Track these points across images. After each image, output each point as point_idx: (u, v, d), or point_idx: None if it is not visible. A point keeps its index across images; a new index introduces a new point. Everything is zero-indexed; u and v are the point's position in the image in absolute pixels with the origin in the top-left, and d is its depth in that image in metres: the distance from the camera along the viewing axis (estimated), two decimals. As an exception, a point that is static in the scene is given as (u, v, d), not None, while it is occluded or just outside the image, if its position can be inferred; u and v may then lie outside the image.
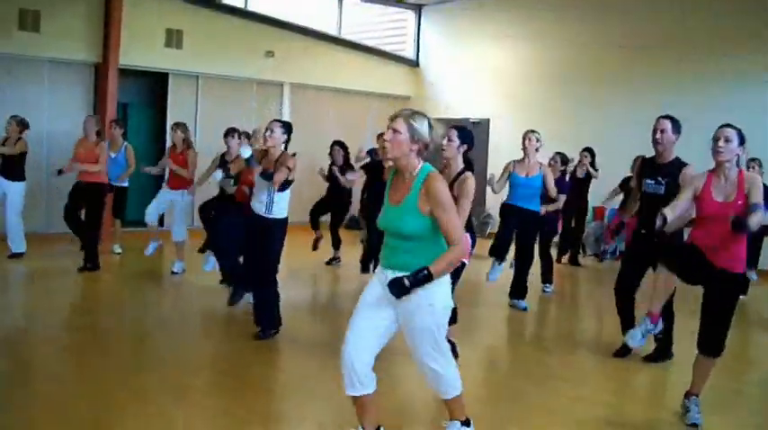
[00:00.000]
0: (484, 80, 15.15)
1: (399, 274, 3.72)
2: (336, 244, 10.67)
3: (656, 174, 5.91)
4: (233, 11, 13.76)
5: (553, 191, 8.18)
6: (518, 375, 6.13)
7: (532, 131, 8.13)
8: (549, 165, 9.87)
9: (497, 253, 7.94)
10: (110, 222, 10.82)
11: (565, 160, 10.56)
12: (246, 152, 6.51)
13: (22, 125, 9.69)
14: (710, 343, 4.79)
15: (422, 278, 3.67)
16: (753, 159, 9.01)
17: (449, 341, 5.77)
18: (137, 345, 6.39)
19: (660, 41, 12.55)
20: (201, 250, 8.88)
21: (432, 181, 3.80)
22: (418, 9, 16.74)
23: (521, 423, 4.89)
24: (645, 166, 6.12)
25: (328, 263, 10.67)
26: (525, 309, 8.24)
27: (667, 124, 5.87)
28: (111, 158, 10.30)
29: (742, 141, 4.77)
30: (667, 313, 5.93)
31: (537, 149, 8.06)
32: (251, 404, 5.01)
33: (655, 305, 4.84)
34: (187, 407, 4.90)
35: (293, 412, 5.15)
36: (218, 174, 7.22)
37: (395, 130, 3.81)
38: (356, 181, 9.73)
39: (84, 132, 9.36)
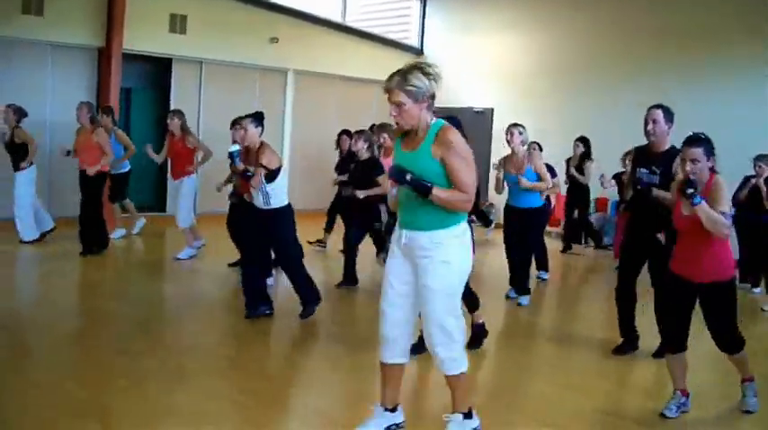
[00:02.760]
0: (488, 69, 15.10)
1: (416, 233, 3.80)
2: (329, 227, 10.59)
3: (651, 164, 5.79)
4: (237, -4, 13.71)
5: (546, 177, 7.86)
6: (515, 365, 6.13)
7: (515, 125, 7.81)
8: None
9: (516, 283, 8.02)
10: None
11: (541, 148, 10.34)
12: (233, 147, 6.62)
13: (19, 113, 9.59)
14: (727, 343, 4.88)
15: (421, 185, 3.68)
16: (759, 158, 8.85)
17: (480, 324, 6.12)
18: (137, 330, 6.39)
19: (668, 30, 12.47)
20: (233, 264, 8.82)
21: (447, 130, 3.79)
22: (423, -4, 16.69)
23: (520, 412, 4.89)
24: (639, 156, 6.04)
25: (311, 243, 10.44)
26: (516, 300, 8.04)
27: (659, 114, 5.72)
28: None
29: (709, 154, 4.60)
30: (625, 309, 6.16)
31: (523, 143, 7.78)
32: (252, 390, 5.02)
33: (678, 383, 4.90)
34: (187, 392, 4.91)
35: (293, 398, 5.17)
36: (234, 146, 7.05)
37: (398, 104, 3.77)
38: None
39: (77, 120, 9.35)
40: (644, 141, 6.03)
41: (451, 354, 3.96)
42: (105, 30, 12.01)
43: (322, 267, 9.38)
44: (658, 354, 6.14)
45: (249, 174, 6.46)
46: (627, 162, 9.80)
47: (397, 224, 4.08)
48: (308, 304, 6.88)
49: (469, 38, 15.70)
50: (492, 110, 14.98)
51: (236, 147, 6.68)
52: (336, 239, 9.89)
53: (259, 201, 6.63)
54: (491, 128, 14.84)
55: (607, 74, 13.29)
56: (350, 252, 8.34)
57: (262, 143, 6.61)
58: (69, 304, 7.51)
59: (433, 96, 3.82)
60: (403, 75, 3.78)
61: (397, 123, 3.85)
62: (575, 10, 13.82)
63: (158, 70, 13.61)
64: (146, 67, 13.59)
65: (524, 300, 8.04)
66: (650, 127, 5.75)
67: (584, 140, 11.49)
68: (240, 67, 13.95)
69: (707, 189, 4.58)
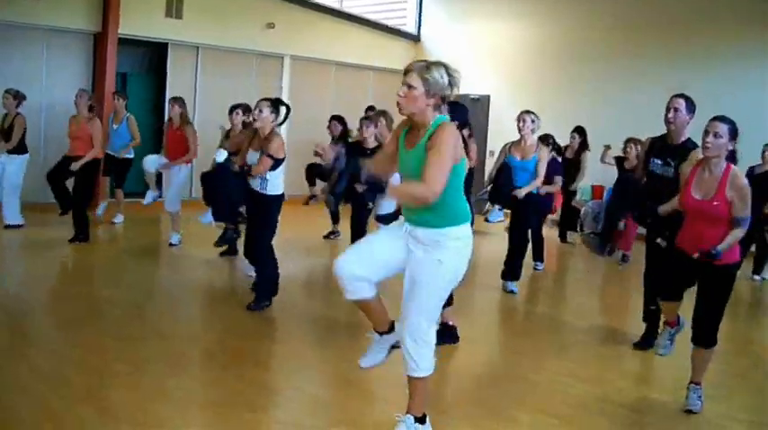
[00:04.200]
0: (484, 56, 15.07)
1: (418, 229, 3.78)
2: (335, 218, 10.65)
3: (666, 155, 5.71)
4: (234, -18, 13.66)
5: (541, 174, 7.84)
6: (513, 354, 6.15)
7: (527, 112, 7.82)
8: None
9: (494, 199, 7.97)
10: (103, 192, 10.80)
11: (556, 144, 10.36)
12: (221, 156, 6.61)
13: (18, 98, 9.56)
14: (704, 335, 4.75)
15: (379, 182, 3.68)
16: None
17: (448, 325, 5.83)
18: (133, 316, 6.40)
19: (664, 19, 12.47)
20: (224, 254, 8.78)
21: (443, 127, 3.70)
22: (420, -17, 16.64)
23: (519, 401, 4.90)
24: (654, 146, 5.92)
25: (326, 237, 10.67)
26: (513, 292, 7.99)
27: (681, 103, 5.61)
28: (113, 130, 10.30)
29: (734, 135, 4.61)
30: (652, 296, 5.93)
31: (533, 131, 7.79)
32: (246, 375, 5.03)
33: (668, 316, 4.96)
34: (182, 377, 4.92)
35: (287, 383, 5.17)
36: (220, 154, 7.07)
37: (409, 86, 3.71)
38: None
39: (75, 108, 9.28)
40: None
41: (419, 356, 3.87)
42: (101, 14, 11.96)
43: (329, 257, 9.38)
44: (639, 345, 6.17)
45: (246, 168, 6.46)
46: (628, 149, 9.82)
47: (401, 215, 4.03)
48: (260, 298, 6.72)
49: (467, 25, 15.67)
50: (488, 97, 14.96)
51: (222, 155, 6.68)
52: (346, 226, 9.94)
53: (255, 183, 6.60)
54: (487, 115, 14.84)
55: (606, 62, 13.27)
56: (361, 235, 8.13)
57: (272, 130, 6.56)
58: (63, 289, 7.51)
59: (444, 99, 3.77)
60: (428, 64, 3.76)
61: (398, 104, 3.79)
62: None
63: (154, 55, 13.58)
64: (142, 51, 13.56)
65: (513, 286, 8.02)
66: (671, 115, 5.64)
67: (580, 131, 11.46)
68: (237, 52, 13.90)
69: (723, 180, 4.57)
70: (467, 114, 5.78)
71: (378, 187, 3.61)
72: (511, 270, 8.06)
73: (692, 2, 12.21)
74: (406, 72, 3.76)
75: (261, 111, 6.49)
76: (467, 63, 15.02)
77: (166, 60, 13.17)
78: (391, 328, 4.14)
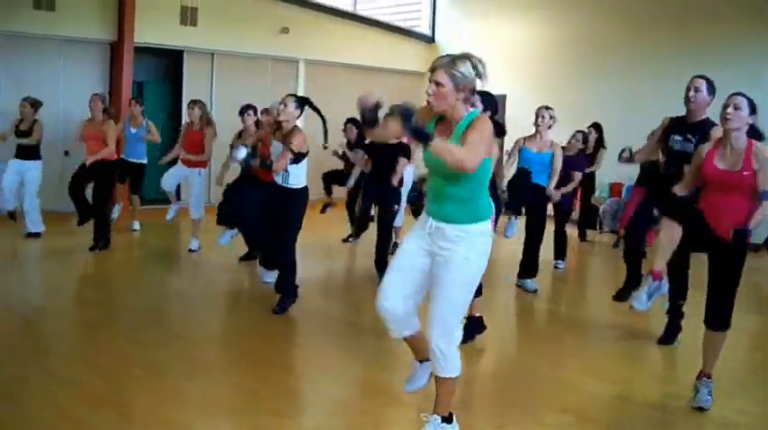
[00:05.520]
0: (499, 55, 14.93)
1: (442, 224, 3.77)
2: (352, 221, 10.60)
3: (686, 131, 5.76)
4: (247, -13, 13.70)
5: (557, 170, 7.81)
6: (530, 352, 6.10)
7: (546, 108, 7.83)
8: (569, 143, 9.74)
9: (512, 207, 7.68)
10: (128, 199, 10.86)
11: (586, 138, 10.34)
12: (242, 153, 6.60)
13: (36, 105, 9.64)
14: (717, 315, 4.67)
15: (422, 132, 3.54)
16: None
17: (474, 316, 5.87)
18: (153, 321, 6.41)
19: (686, 16, 12.35)
20: (244, 258, 8.83)
21: (480, 118, 3.70)
22: (434, -16, 16.63)
23: (542, 401, 4.86)
24: (673, 124, 5.97)
25: (345, 240, 10.66)
26: (535, 292, 7.91)
27: (702, 83, 5.70)
28: (132, 134, 10.33)
29: (753, 110, 4.63)
30: (680, 289, 5.88)
31: (550, 127, 7.78)
32: (266, 379, 5.02)
33: (657, 262, 4.68)
34: (202, 382, 4.92)
35: (308, 387, 5.18)
36: (242, 152, 7.08)
37: (437, 83, 3.70)
38: (363, 160, 9.10)
39: (90, 113, 9.31)
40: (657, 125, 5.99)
41: (449, 355, 3.86)
42: (116, 23, 12.05)
43: (349, 259, 9.39)
44: (663, 340, 6.17)
45: (268, 164, 6.46)
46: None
47: (424, 211, 4.01)
48: (286, 297, 6.74)
49: (481, 25, 15.63)
50: (505, 96, 14.91)
51: (242, 153, 6.68)
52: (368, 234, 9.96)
53: (278, 177, 6.61)
54: (504, 114, 14.78)
55: (621, 60, 13.19)
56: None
57: (295, 126, 6.60)
58: (82, 295, 7.55)
59: (473, 91, 3.75)
60: (453, 58, 3.73)
61: (428, 103, 3.78)
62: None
63: (170, 63, 13.64)
64: (157, 59, 13.61)
65: (533, 284, 7.97)
66: (692, 93, 5.71)
67: (597, 127, 11.37)
68: (251, 57, 13.94)
69: (748, 153, 4.53)
70: (495, 101, 5.79)
71: (423, 135, 3.53)
72: (527, 268, 8.00)
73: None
74: (433, 70, 3.74)
75: (286, 105, 6.53)
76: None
77: (182, 68, 13.24)
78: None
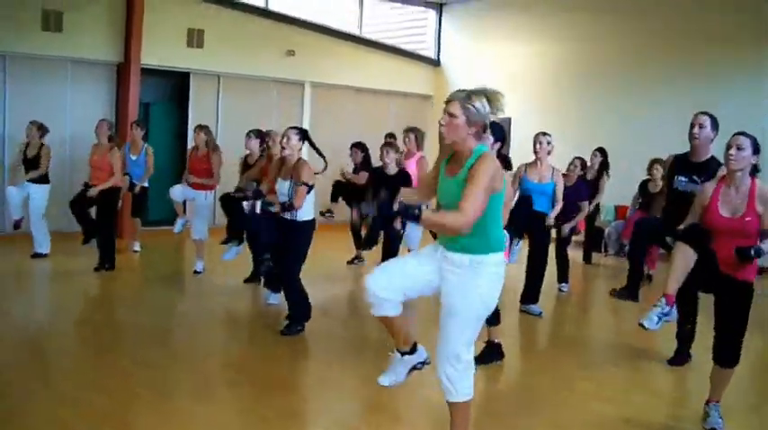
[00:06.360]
0: (504, 78, 14.97)
1: (454, 253, 3.79)
2: (358, 243, 10.62)
3: (691, 172, 5.72)
4: (254, 10, 13.79)
5: (559, 199, 7.81)
6: (536, 374, 6.08)
7: (543, 134, 7.76)
8: (569, 170, 9.75)
9: (512, 233, 7.67)
10: (129, 221, 10.89)
11: (584, 165, 10.34)
12: (257, 206, 6.74)
13: (42, 130, 9.74)
14: (725, 354, 4.65)
15: (412, 212, 3.58)
16: None
17: (494, 343, 5.99)
18: (158, 342, 6.41)
19: (692, 37, 12.36)
20: (224, 242, 8.73)
21: (482, 158, 3.73)
22: (439, 8, 16.72)
23: (547, 423, 4.85)
24: (677, 163, 5.92)
25: (350, 262, 10.66)
26: (539, 315, 7.87)
27: (706, 120, 5.66)
28: (131, 160, 10.34)
29: (756, 150, 4.57)
30: (690, 315, 5.85)
31: (549, 152, 7.73)
32: (271, 401, 5.01)
33: (671, 285, 4.56)
34: (208, 403, 4.90)
35: (313, 410, 5.17)
36: (257, 205, 7.13)
37: (450, 114, 3.76)
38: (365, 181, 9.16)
39: (96, 137, 9.38)
40: (662, 152, 6.00)
41: (458, 381, 3.88)
42: (124, 45, 12.14)
43: (353, 281, 9.38)
44: (673, 361, 6.19)
45: (288, 205, 6.49)
46: (653, 170, 9.78)
47: (437, 239, 4.05)
48: (294, 321, 6.74)
49: (486, 48, 15.73)
50: (509, 119, 14.95)
51: (257, 206, 6.78)
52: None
53: (286, 212, 6.64)
54: (509, 138, 14.81)
55: (627, 83, 13.25)
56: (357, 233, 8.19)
57: (300, 158, 6.63)
58: (88, 316, 7.55)
59: (484, 128, 3.82)
60: (469, 93, 3.80)
61: (440, 133, 3.83)
62: (592, 21, 13.80)
63: (177, 84, 13.71)
64: (164, 81, 13.69)
65: (537, 308, 7.93)
66: (696, 130, 5.68)
67: (602, 151, 11.37)
68: (257, 79, 14.03)
69: (751, 195, 4.51)
70: (503, 132, 5.81)
71: (410, 215, 3.61)
72: (532, 293, 7.96)
73: (715, 20, 12.12)
74: (448, 101, 3.81)
75: (289, 138, 6.56)
76: (487, 86, 15.10)
77: (188, 89, 13.31)
78: (413, 350, 4.15)
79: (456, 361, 3.84)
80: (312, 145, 6.85)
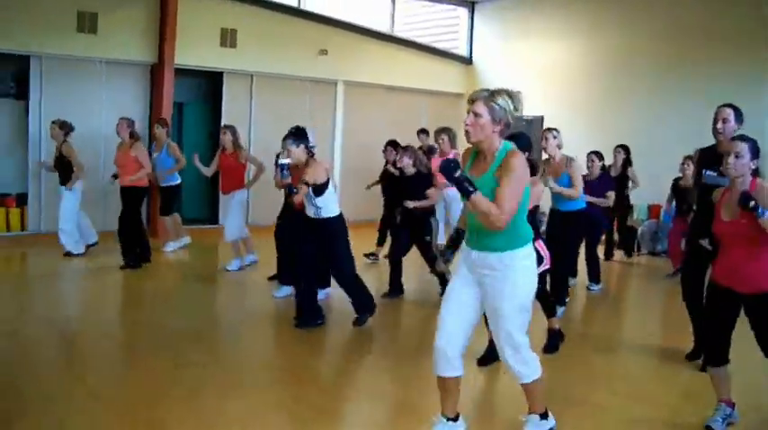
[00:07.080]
0: (537, 76, 14.96)
1: (484, 253, 3.90)
2: (381, 242, 10.66)
3: (719, 165, 5.45)
4: (286, 9, 13.83)
5: (579, 187, 7.58)
6: (567, 374, 6.00)
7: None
8: (588, 167, 9.61)
9: (556, 296, 7.42)
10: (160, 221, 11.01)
11: (601, 157, 10.18)
12: (285, 160, 6.70)
13: (65, 127, 9.78)
14: None
15: (465, 187, 3.68)
16: None
17: (555, 330, 6.42)
18: (191, 341, 6.45)
19: (727, 35, 12.17)
20: (272, 278, 8.79)
21: (512, 154, 3.81)
22: (471, 6, 16.65)
23: (575, 421, 4.81)
24: (704, 157, 5.82)
25: (366, 255, 10.54)
26: (560, 315, 7.56)
27: (729, 113, 5.54)
28: (156, 158, 10.39)
29: (755, 154, 4.48)
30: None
31: (559, 147, 7.61)
32: (305, 399, 5.04)
33: (722, 391, 4.72)
34: (241, 401, 4.94)
35: (347, 408, 5.19)
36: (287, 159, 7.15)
37: (476, 114, 3.81)
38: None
39: (118, 135, 9.52)
40: (698, 145, 5.92)
41: (523, 365, 4.07)
42: (157, 46, 12.23)
43: (373, 278, 9.36)
44: (691, 356, 6.17)
45: (294, 191, 6.52)
46: (686, 166, 9.65)
47: (464, 242, 4.14)
48: (361, 313, 7.00)
49: (518, 46, 15.63)
50: (542, 118, 14.84)
51: (287, 161, 6.77)
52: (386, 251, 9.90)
53: (310, 212, 6.75)
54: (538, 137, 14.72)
55: (661, 80, 13.06)
56: (395, 265, 8.37)
57: (308, 159, 6.72)
58: (121, 316, 7.65)
59: (508, 125, 3.87)
60: (491, 93, 3.85)
61: (466, 132, 3.88)
62: (625, 17, 13.66)
63: (210, 84, 13.80)
64: (197, 81, 13.78)
65: (558, 311, 7.72)
66: (719, 125, 5.57)
67: (624, 147, 11.25)
68: (290, 79, 14.06)
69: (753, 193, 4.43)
70: (529, 140, 5.87)
71: (464, 189, 3.69)
72: (555, 295, 7.59)
73: (742, 16, 11.95)
74: (472, 101, 3.86)
75: (289, 151, 6.70)
76: (519, 84, 14.76)
77: (222, 89, 13.38)
78: (456, 418, 4.25)
79: (515, 350, 4.02)
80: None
